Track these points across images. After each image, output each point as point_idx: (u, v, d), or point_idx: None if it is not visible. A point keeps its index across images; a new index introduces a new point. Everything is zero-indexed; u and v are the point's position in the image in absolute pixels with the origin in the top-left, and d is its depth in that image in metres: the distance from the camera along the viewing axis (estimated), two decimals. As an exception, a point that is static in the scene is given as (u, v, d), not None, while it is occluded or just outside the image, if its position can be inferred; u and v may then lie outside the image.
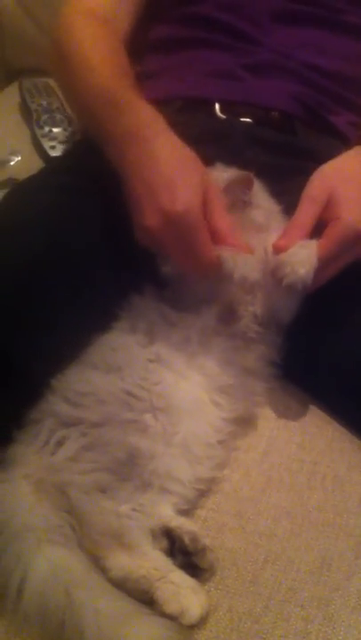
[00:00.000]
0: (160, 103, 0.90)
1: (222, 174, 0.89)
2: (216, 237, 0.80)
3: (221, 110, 1.05)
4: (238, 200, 0.89)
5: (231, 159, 0.93)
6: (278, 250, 0.81)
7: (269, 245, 0.83)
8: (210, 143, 0.97)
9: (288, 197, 0.90)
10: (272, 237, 0.85)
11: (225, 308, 0.88)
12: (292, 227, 0.82)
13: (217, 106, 1.05)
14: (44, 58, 1.11)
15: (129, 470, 0.76)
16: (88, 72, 0.95)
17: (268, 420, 0.90)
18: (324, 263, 0.80)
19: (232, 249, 0.80)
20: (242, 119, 1.05)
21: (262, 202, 0.92)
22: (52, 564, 0.69)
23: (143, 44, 1.16)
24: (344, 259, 0.83)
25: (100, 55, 0.98)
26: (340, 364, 0.89)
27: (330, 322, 0.90)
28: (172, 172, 0.80)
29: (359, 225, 0.81)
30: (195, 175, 0.81)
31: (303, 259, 0.79)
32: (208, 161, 0.90)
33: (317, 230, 0.82)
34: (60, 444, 0.78)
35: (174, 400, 0.81)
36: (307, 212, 0.83)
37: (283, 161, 1.01)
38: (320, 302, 0.85)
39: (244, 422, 0.88)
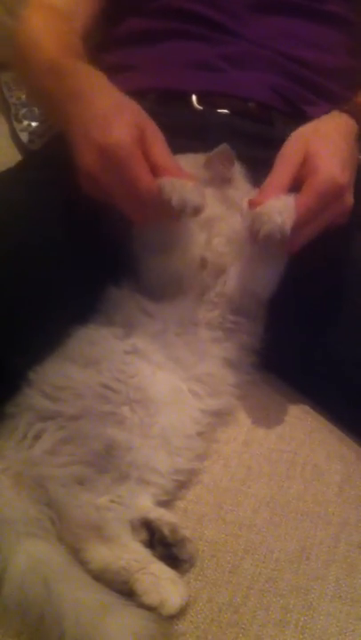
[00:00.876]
0: (136, 95, 0.90)
1: (201, 156, 0.90)
2: (156, 172, 0.79)
3: (198, 102, 1.05)
4: (219, 176, 0.89)
5: (209, 151, 0.93)
6: (254, 205, 0.80)
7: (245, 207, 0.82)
8: (187, 135, 0.97)
9: None
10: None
11: (200, 297, 0.88)
12: (268, 185, 0.81)
13: (194, 97, 1.05)
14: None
15: (107, 462, 0.76)
16: (37, 52, 0.97)
17: (247, 410, 0.90)
18: (303, 219, 0.78)
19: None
20: (219, 110, 1.04)
21: (242, 185, 0.92)
22: (31, 556, 0.69)
23: (116, 37, 1.16)
24: (324, 216, 0.81)
25: (49, 36, 0.99)
26: (322, 356, 0.89)
27: (316, 317, 0.91)
28: (106, 111, 0.81)
29: (338, 178, 0.80)
30: (129, 114, 0.81)
31: (281, 208, 0.77)
32: (185, 153, 0.91)
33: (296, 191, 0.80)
34: (37, 437, 0.78)
35: (151, 392, 0.81)
36: (282, 171, 0.82)
37: (260, 152, 1.00)
38: (307, 297, 0.85)
39: (224, 414, 0.88)
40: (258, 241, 0.77)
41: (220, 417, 0.87)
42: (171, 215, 0.78)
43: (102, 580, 0.70)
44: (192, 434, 0.83)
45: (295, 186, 0.80)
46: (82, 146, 0.80)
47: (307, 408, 0.92)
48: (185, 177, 0.79)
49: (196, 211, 0.78)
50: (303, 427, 0.90)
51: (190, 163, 0.89)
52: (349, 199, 0.82)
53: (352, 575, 0.75)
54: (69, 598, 0.66)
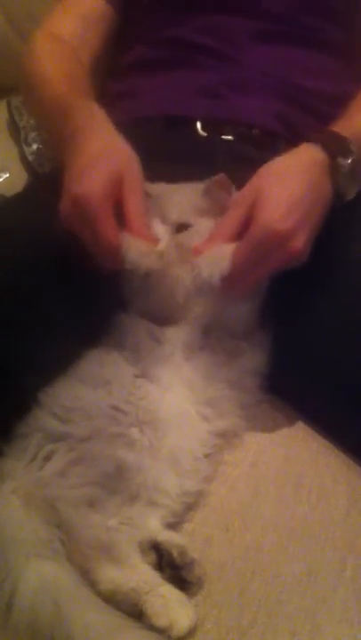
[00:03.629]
0: (142, 121, 0.92)
1: (200, 184, 0.91)
2: (124, 225, 0.80)
3: (203, 128, 1.06)
4: (218, 205, 0.90)
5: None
6: (195, 253, 0.81)
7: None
8: (192, 161, 0.99)
9: None
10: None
11: (203, 323, 0.89)
12: (216, 231, 0.83)
13: (198, 124, 1.06)
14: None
15: (117, 484, 0.76)
16: (44, 85, 1.01)
17: (254, 433, 0.91)
18: (241, 266, 0.78)
19: (134, 236, 0.80)
20: (223, 137, 1.06)
21: None
22: (41, 577, 0.70)
23: (122, 65, 1.18)
24: (268, 262, 0.80)
25: (55, 69, 1.03)
26: (327, 379, 0.90)
27: (322, 344, 0.91)
28: (87, 162, 0.82)
29: (276, 225, 0.77)
30: (109, 164, 0.82)
31: (210, 261, 0.79)
32: (194, 180, 0.92)
33: None
34: (47, 458, 0.78)
35: (160, 414, 0.82)
36: (231, 215, 0.82)
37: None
38: (313, 323, 0.86)
39: (231, 436, 0.88)
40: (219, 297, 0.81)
41: (227, 439, 0.88)
42: None
43: (112, 602, 0.70)
44: (200, 456, 0.83)
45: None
46: (64, 191, 0.82)
47: (312, 432, 0.93)
48: (146, 237, 0.80)
49: (147, 274, 0.79)
50: (309, 450, 0.90)
51: (190, 192, 0.90)
52: (296, 244, 0.79)
53: (359, 598, 0.75)
54: (79, 619, 0.67)
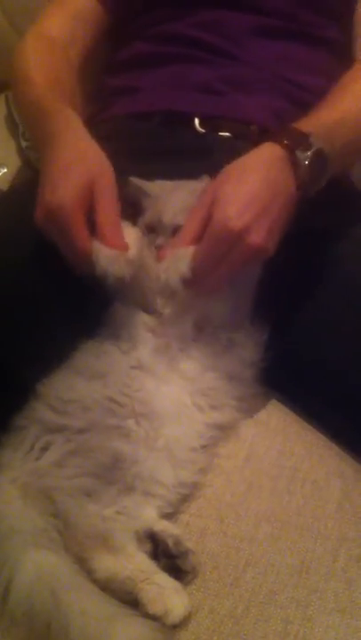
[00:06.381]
0: (139, 117, 0.93)
1: (199, 184, 0.92)
2: (96, 231, 0.81)
3: (201, 124, 1.06)
4: None
5: (213, 175, 0.95)
6: (160, 257, 0.84)
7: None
8: (189, 157, 0.99)
9: None
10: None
11: (198, 315, 0.90)
12: (179, 234, 0.84)
13: (196, 120, 1.07)
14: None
15: (113, 474, 0.77)
16: (28, 87, 1.02)
17: (249, 426, 0.92)
18: (203, 266, 0.80)
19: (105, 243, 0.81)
20: (221, 133, 1.06)
21: None
22: (38, 566, 0.70)
23: (120, 61, 1.19)
24: (230, 259, 0.80)
25: (41, 73, 1.04)
26: (322, 373, 0.91)
27: (315, 334, 0.92)
28: (59, 169, 0.84)
29: (230, 222, 0.78)
30: (81, 172, 0.83)
31: (169, 265, 0.82)
32: (191, 176, 0.93)
33: None
34: (44, 449, 0.79)
35: (156, 405, 0.83)
36: (192, 217, 0.83)
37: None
38: (305, 315, 0.86)
39: (227, 427, 0.89)
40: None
41: (222, 430, 0.89)
42: None
43: (108, 590, 0.71)
44: (196, 447, 0.84)
45: None
46: (38, 199, 0.84)
47: (307, 425, 0.94)
48: (117, 244, 0.81)
49: (118, 281, 0.81)
50: (303, 443, 0.91)
51: (186, 193, 0.91)
52: (255, 239, 0.79)
53: (351, 589, 0.76)
54: (76, 608, 0.68)
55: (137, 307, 0.89)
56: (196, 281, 0.81)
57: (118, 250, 0.80)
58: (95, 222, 0.82)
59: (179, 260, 0.81)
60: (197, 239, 0.81)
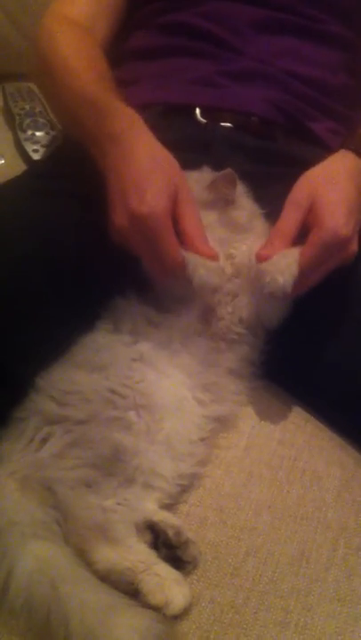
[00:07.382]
0: (141, 108, 0.92)
1: (206, 174, 0.91)
2: (184, 240, 0.81)
3: (202, 115, 1.06)
4: (222, 198, 0.91)
5: (213, 166, 0.95)
6: (260, 259, 0.82)
7: (253, 252, 0.84)
8: (191, 148, 0.99)
9: (270, 204, 0.92)
10: (255, 242, 0.86)
11: (205, 310, 0.90)
12: (275, 235, 0.83)
13: (197, 111, 1.06)
14: (27, 63, 1.13)
15: (113, 466, 0.77)
16: (71, 78, 0.98)
17: (249, 417, 0.92)
18: (306, 270, 0.81)
19: (196, 254, 0.81)
20: (222, 124, 1.06)
21: (245, 204, 0.94)
22: (37, 558, 0.70)
23: (123, 51, 1.18)
24: (328, 264, 0.83)
25: (82, 61, 1.00)
26: (323, 367, 0.91)
27: (315, 327, 0.92)
28: (142, 175, 0.82)
29: (341, 230, 0.81)
30: (165, 178, 0.82)
31: (283, 268, 0.80)
32: (190, 167, 0.92)
33: (302, 234, 0.83)
34: (44, 440, 0.79)
35: (157, 398, 0.83)
36: (290, 218, 0.84)
37: (264, 168, 1.03)
38: (306, 308, 0.86)
39: (226, 420, 0.89)
40: (263, 294, 0.82)
41: (222, 423, 0.89)
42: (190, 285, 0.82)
43: (108, 581, 0.71)
44: (195, 440, 0.84)
45: (302, 231, 0.83)
46: (117, 206, 0.82)
47: (307, 415, 0.94)
48: (209, 253, 0.82)
49: (214, 291, 0.83)
50: (303, 433, 0.91)
51: (193, 181, 0.90)
52: (353, 248, 0.84)
53: (350, 578, 0.77)
54: (75, 599, 0.68)
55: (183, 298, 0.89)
56: (296, 283, 0.81)
57: (211, 260, 0.82)
58: (181, 231, 0.81)
59: (289, 263, 0.80)
60: (294, 240, 0.82)
